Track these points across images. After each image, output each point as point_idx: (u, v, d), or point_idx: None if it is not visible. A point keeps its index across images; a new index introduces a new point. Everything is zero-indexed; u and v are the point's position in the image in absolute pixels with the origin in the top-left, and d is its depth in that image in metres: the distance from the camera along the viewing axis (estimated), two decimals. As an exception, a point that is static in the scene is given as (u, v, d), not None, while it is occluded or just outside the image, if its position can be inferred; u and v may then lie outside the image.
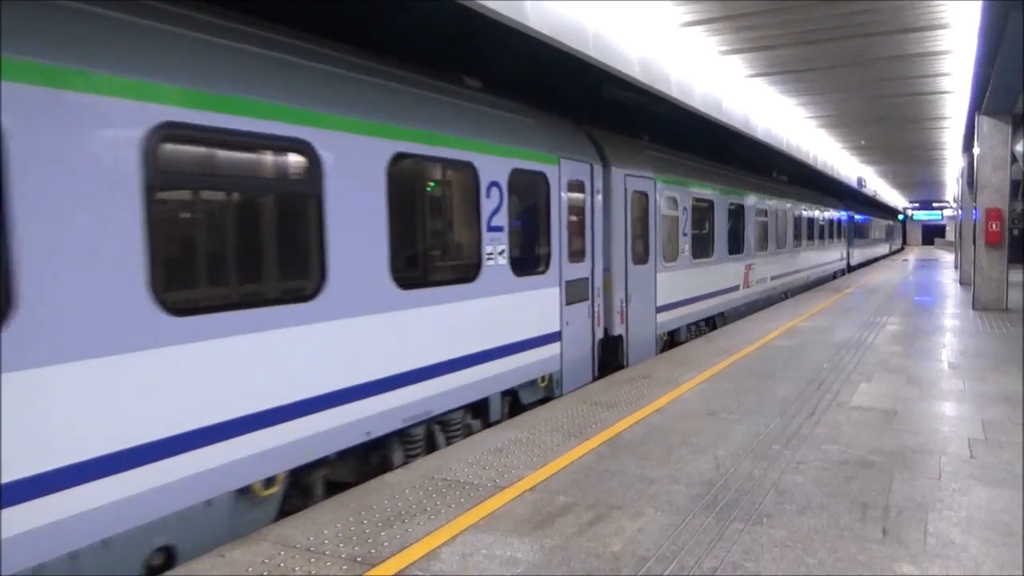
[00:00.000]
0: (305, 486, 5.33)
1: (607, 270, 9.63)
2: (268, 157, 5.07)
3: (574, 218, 8.79)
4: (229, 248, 4.94)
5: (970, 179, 20.69)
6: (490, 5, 6.84)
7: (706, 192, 13.50)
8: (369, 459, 5.96)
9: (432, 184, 6.81)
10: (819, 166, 24.57)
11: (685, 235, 12.41)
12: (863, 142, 25.24)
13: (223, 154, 4.78)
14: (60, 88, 3.69)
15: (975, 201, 16.42)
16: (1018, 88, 12.92)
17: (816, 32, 11.26)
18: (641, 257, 10.64)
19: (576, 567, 3.83)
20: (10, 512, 3.46)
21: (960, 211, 27.09)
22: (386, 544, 4.16)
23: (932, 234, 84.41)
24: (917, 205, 63.65)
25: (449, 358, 6.52)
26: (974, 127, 16.22)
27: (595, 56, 8.91)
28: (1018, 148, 15.89)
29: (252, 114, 4.71)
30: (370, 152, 5.63)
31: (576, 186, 8.83)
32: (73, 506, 3.72)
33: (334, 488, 5.45)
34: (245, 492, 4.70)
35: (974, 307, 15.90)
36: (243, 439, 4.62)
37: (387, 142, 5.78)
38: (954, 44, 12.09)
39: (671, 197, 11.77)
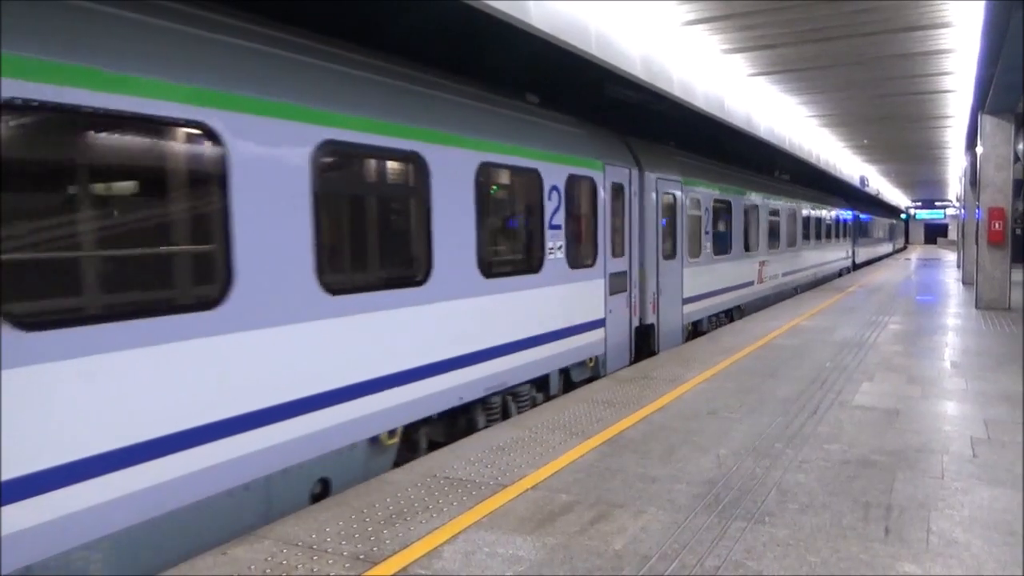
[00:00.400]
0: (413, 441, 6.26)
1: (641, 265, 10.63)
2: (396, 167, 6.18)
3: (615, 217, 9.81)
4: (369, 242, 6.06)
5: (973, 178, 20.67)
6: (493, 4, 6.84)
7: (725, 194, 14.43)
8: (457, 422, 6.96)
9: (507, 188, 7.85)
10: (821, 165, 24.54)
11: (707, 233, 13.34)
12: (865, 141, 25.20)
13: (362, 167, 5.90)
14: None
15: (978, 200, 16.39)
16: (1021, 87, 12.89)
17: (818, 31, 11.24)
18: (670, 253, 11.58)
19: (578, 565, 3.83)
20: (242, 438, 4.60)
21: (963, 210, 27.05)
22: (388, 542, 4.16)
23: (934, 233, 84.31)
24: (920, 204, 63.56)
25: (520, 338, 7.61)
26: (977, 126, 16.19)
27: (597, 55, 8.91)
28: (1021, 147, 15.88)
29: (388, 133, 5.76)
30: (464, 162, 6.60)
31: (617, 189, 9.88)
32: (273, 438, 4.81)
33: (433, 446, 6.42)
34: (375, 441, 5.70)
35: (977, 306, 15.88)
36: (376, 397, 5.65)
37: (476, 153, 6.79)
38: (957, 43, 12.06)
39: (695, 198, 12.67)
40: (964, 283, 22.46)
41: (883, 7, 10.13)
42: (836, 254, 28.28)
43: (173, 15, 4.39)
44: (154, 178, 4.40)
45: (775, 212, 18.37)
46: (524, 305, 7.69)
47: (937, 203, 60.62)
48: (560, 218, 8.32)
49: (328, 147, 5.22)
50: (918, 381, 8.33)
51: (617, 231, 9.84)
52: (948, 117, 20.00)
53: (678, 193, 11.88)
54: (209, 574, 3.79)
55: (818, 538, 4.13)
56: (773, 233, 18.23)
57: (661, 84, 11.03)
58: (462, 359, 6.69)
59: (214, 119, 4.40)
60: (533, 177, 7.89)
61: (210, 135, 4.38)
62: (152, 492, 4.06)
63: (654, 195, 10.94)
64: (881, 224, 47.11)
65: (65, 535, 3.66)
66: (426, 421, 6.37)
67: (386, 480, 5.21)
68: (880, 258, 44.80)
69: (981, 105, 15.18)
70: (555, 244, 8.26)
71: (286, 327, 4.89)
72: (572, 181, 8.63)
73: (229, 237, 4.50)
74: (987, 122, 15.55)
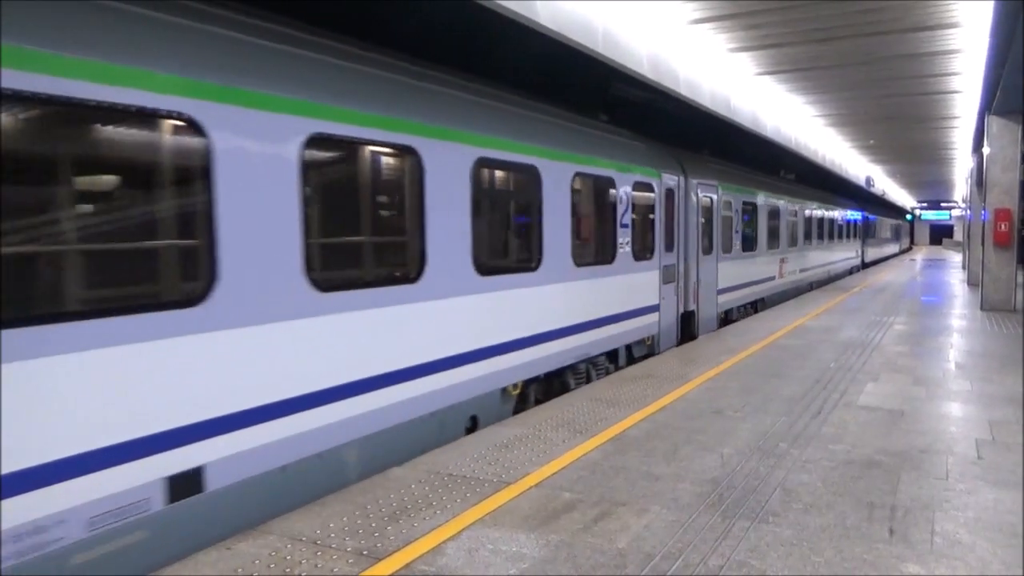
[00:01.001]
0: (524, 395, 7.87)
1: (685, 259, 12.12)
2: (520, 178, 7.77)
3: (667, 217, 11.33)
4: (510, 237, 7.82)
5: (979, 179, 20.60)
6: (502, 3, 6.84)
7: (752, 196, 15.98)
8: (552, 384, 8.49)
9: (591, 193, 9.19)
10: (827, 165, 24.49)
11: (736, 232, 14.91)
12: (872, 141, 25.14)
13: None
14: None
15: (984, 201, 16.33)
16: (1029, 88, 12.85)
17: (825, 30, 11.21)
18: (707, 249, 13.09)
19: (581, 563, 3.83)
20: (433, 378, 6.30)
21: (969, 211, 26.97)
22: (392, 538, 4.17)
23: (940, 234, 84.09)
24: (925, 205, 63.34)
25: (599, 317, 9.24)
26: (984, 127, 16.13)
27: (604, 53, 8.90)
28: (1028, 148, 15.80)
29: (514, 151, 7.47)
30: (563, 172, 8.36)
31: (669, 193, 11.39)
32: (442, 383, 6.41)
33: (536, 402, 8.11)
34: (504, 391, 7.35)
35: (982, 308, 15.83)
36: (506, 357, 7.31)
37: (572, 165, 8.52)
38: (965, 43, 12.03)
39: (727, 201, 14.19)
40: (969, 284, 22.39)
41: (890, 7, 10.10)
42: (847, 253, 30.12)
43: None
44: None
45: (794, 213, 20.02)
46: (602, 290, 9.35)
47: (943, 204, 60.40)
48: (628, 218, 9.94)
49: (481, 162, 6.90)
50: (923, 382, 8.32)
51: (668, 229, 11.40)
52: (955, 118, 19.94)
53: (714, 196, 13.41)
54: (214, 568, 3.80)
55: (822, 538, 4.13)
56: (792, 233, 19.78)
57: (667, 83, 11.02)
58: (561, 331, 8.37)
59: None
60: (609, 184, 9.50)
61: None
62: (387, 411, 5.78)
63: (695, 198, 12.42)
64: (888, 225, 49.07)
65: (338, 435, 5.30)
66: (535, 379, 8.04)
67: (390, 476, 5.22)
68: (887, 258, 46.47)
69: (988, 106, 15.13)
70: (624, 240, 9.88)
71: (456, 299, 6.56)
72: (636, 187, 10.24)
73: (424, 230, 6.17)
74: (994, 123, 15.49)
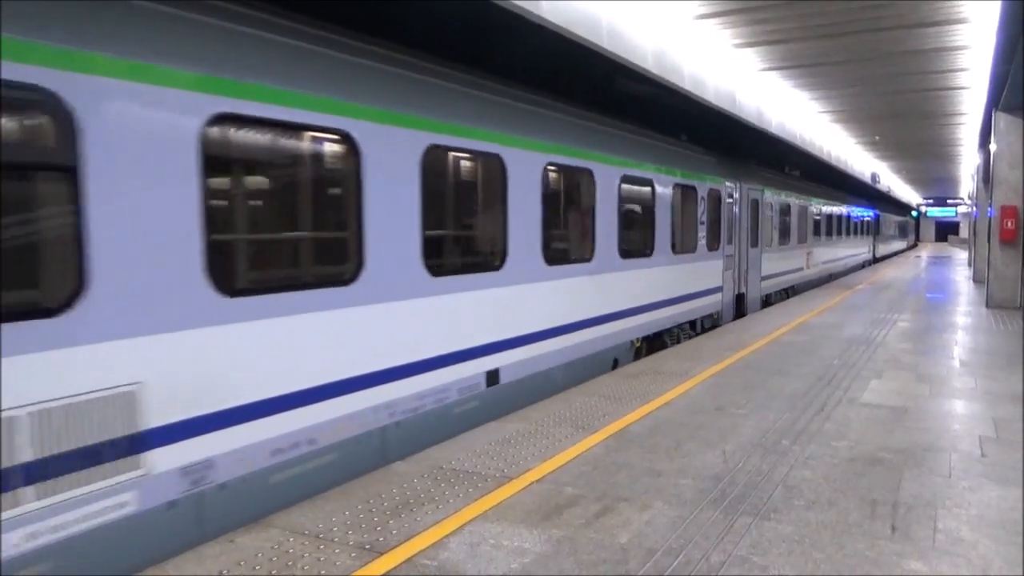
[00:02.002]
0: (638, 349, 10.36)
1: (739, 251, 14.71)
2: (643, 188, 10.32)
3: (728, 216, 13.90)
4: (632, 229, 10.03)
5: (986, 176, 20.52)
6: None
7: (787, 198, 18.64)
8: (654, 343, 11.00)
9: (682, 197, 11.68)
10: (833, 161, 24.42)
11: (774, 228, 17.50)
12: (878, 137, 25.04)
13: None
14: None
15: (990, 198, 16.27)
16: (1036, 84, 12.77)
17: (832, 26, 11.16)
18: (754, 242, 15.74)
19: (583, 558, 3.84)
20: (596, 329, 9.02)
21: (975, 208, 26.87)
22: (394, 532, 4.18)
23: (946, 231, 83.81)
24: (931, 201, 63.11)
25: (687, 293, 11.94)
26: (991, 123, 16.05)
27: (609, 48, 8.87)
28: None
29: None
30: (668, 183, 10.95)
31: (729, 196, 13.99)
32: (604, 332, 9.26)
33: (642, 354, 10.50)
34: (632, 343, 10.12)
35: (987, 305, 15.78)
36: (634, 318, 10.07)
37: (672, 178, 11.14)
38: (972, 39, 11.96)
39: (768, 202, 16.83)
40: (975, 281, 22.32)
41: (898, 3, 10.05)
42: (861, 248, 33.26)
43: None
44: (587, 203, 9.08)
45: (818, 213, 22.83)
46: (688, 274, 12.03)
47: (949, 201, 60.16)
48: (704, 216, 12.62)
49: (624, 179, 9.69)
50: (927, 379, 8.30)
51: (728, 226, 14.00)
52: (962, 114, 19.84)
53: (758, 198, 15.98)
54: (216, 561, 3.82)
55: (824, 535, 4.13)
56: (816, 229, 22.54)
57: (672, 78, 10.98)
58: (663, 303, 11.05)
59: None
60: (692, 191, 12.12)
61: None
62: (579, 347, 8.66)
63: (746, 200, 15.00)
64: (897, 222, 52.80)
65: (560, 358, 8.27)
66: (646, 337, 10.65)
67: (393, 471, 5.23)
68: (896, 253, 49.66)
69: (995, 102, 15.05)
70: (702, 235, 12.59)
71: (609, 274, 9.34)
72: (710, 192, 12.88)
73: (595, 224, 8.97)
74: (1001, 119, 15.41)
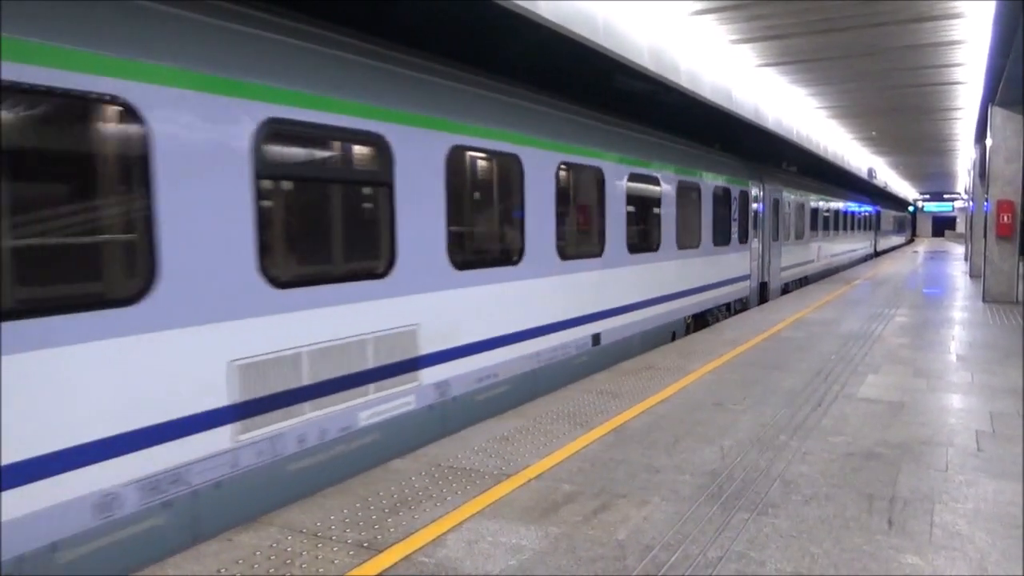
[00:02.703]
0: (688, 325, 12.33)
1: (763, 244, 16.84)
2: (689, 190, 12.09)
3: (754, 213, 15.99)
4: (694, 223, 12.34)
5: (982, 171, 20.54)
6: None
7: (801, 197, 20.85)
8: (698, 322, 12.93)
9: (722, 198, 13.73)
10: (829, 157, 24.45)
11: (791, 224, 19.60)
12: (874, 133, 25.06)
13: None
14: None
15: (986, 193, 16.29)
16: (1032, 79, 12.78)
17: (828, 21, 11.16)
18: (774, 236, 17.81)
19: (581, 555, 3.85)
20: (663, 305, 11.20)
21: (971, 203, 26.93)
22: (392, 530, 4.18)
23: (942, 226, 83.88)
24: (927, 197, 63.18)
25: (723, 279, 13.99)
26: (987, 118, 16.07)
27: (605, 45, 8.86)
28: (1031, 139, 15.71)
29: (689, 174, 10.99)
30: (710, 186, 12.95)
31: (755, 195, 16.09)
32: (669, 308, 11.38)
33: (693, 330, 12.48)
34: (685, 319, 12.09)
35: (984, 299, 15.81)
36: (688, 298, 12.01)
37: (712, 181, 13.11)
38: (968, 34, 11.96)
39: (787, 200, 19.00)
40: (971, 276, 22.35)
41: (893, -2, 10.05)
42: (864, 243, 35.84)
43: None
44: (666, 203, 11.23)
45: (828, 210, 25.07)
46: (726, 263, 14.13)
47: (945, 196, 60.21)
48: (736, 214, 14.66)
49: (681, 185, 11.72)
50: (924, 374, 8.32)
51: (755, 222, 16.14)
52: (958, 109, 19.86)
53: (778, 197, 18.04)
54: (215, 559, 3.82)
55: (821, 530, 4.14)
56: (825, 225, 24.81)
57: (668, 75, 10.98)
58: (707, 287, 13.09)
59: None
60: (727, 192, 14.05)
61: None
62: (650, 320, 10.62)
63: (768, 199, 17.12)
64: (896, 218, 55.83)
65: (639, 328, 10.29)
66: (694, 315, 12.69)
67: (390, 469, 5.23)
68: (895, 247, 52.59)
69: (991, 97, 15.06)
70: (735, 229, 14.61)
71: (668, 261, 11.17)
72: (741, 193, 14.91)
73: (661, 223, 11.09)
74: (997, 114, 15.43)
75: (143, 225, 4.04)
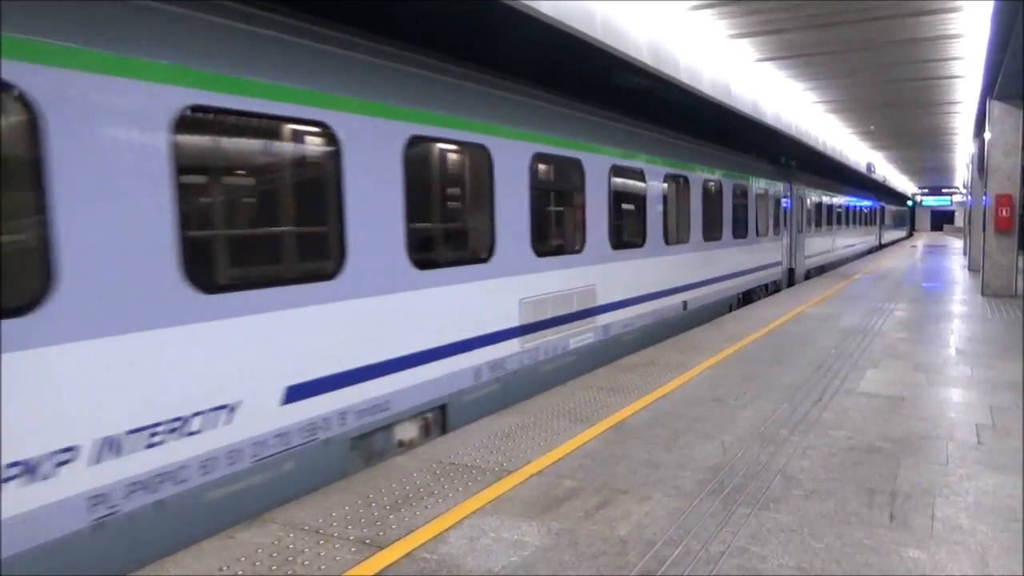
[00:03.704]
0: (730, 306, 14.52)
1: (791, 235, 19.73)
2: (740, 190, 14.94)
3: (785, 209, 18.96)
4: (749, 217, 15.66)
5: (980, 165, 20.53)
6: None
7: (821, 195, 24.00)
8: (751, 297, 15.70)
9: (765, 196, 16.64)
10: (828, 152, 24.46)
11: (812, 219, 22.52)
12: (872, 127, 25.06)
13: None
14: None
15: (985, 187, 16.28)
16: (1031, 72, 12.76)
17: (826, 15, 11.15)
18: (800, 228, 20.62)
19: (583, 550, 3.85)
20: (718, 285, 13.95)
21: (970, 197, 26.94)
22: (394, 527, 4.19)
23: (941, 220, 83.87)
24: (926, 191, 63.15)
25: (764, 264, 16.73)
26: (985, 112, 16.05)
27: (603, 40, 8.85)
28: (1030, 133, 15.70)
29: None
30: (754, 186, 15.50)
31: (786, 192, 18.93)
32: (724, 287, 14.29)
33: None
34: (737, 296, 15.06)
35: (983, 293, 15.82)
36: (738, 279, 15.00)
37: (755, 182, 15.54)
38: (966, 27, 11.95)
39: (810, 198, 22.08)
40: (970, 270, 22.36)
41: (892, -8, 10.03)
42: (871, 235, 38.95)
43: None
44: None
45: (841, 206, 28.32)
46: (765, 250, 16.91)
47: (944, 190, 60.20)
48: (772, 209, 17.52)
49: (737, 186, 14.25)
50: (923, 368, 8.32)
51: (786, 216, 19.17)
52: (956, 103, 19.85)
53: (802, 195, 20.94)
54: (216, 557, 3.82)
55: (823, 524, 4.14)
56: (840, 220, 28.15)
57: (668, 70, 10.96)
58: (751, 270, 15.82)
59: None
60: (768, 191, 17.06)
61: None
62: (709, 295, 13.32)
63: (798, 196, 20.11)
64: (898, 213, 60.12)
65: (705, 301, 13.18)
66: (741, 294, 15.21)
67: (392, 465, 5.23)
68: (897, 240, 55.76)
69: (990, 91, 15.04)
70: (771, 223, 17.43)
71: (722, 248, 13.68)
72: (775, 192, 17.77)
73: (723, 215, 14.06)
74: (996, 108, 15.41)
75: (488, 220, 7.04)
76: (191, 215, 4.29)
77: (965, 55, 13.91)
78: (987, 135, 15.96)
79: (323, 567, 3.71)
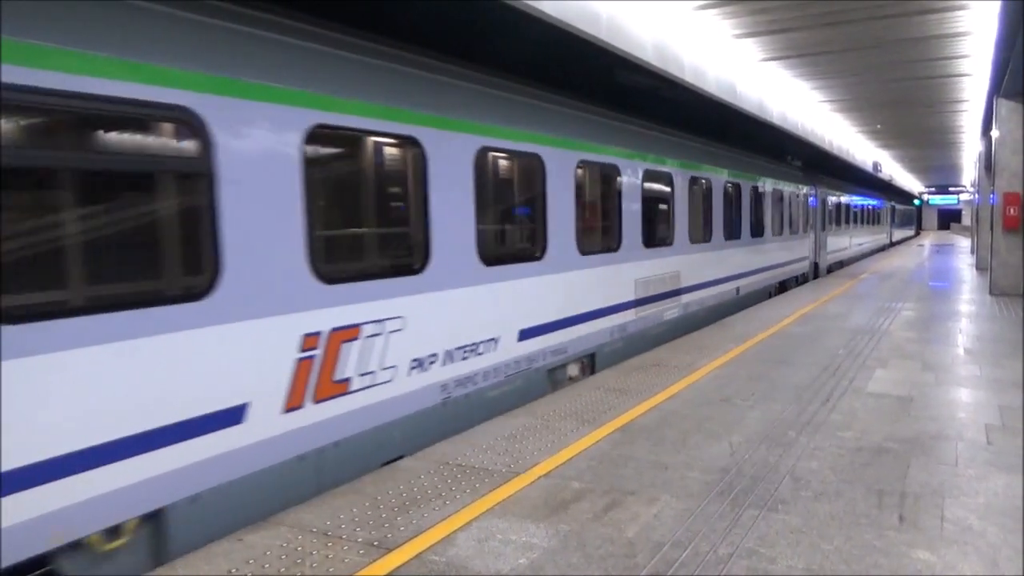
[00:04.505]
0: (784, 288, 18.38)
1: (815, 232, 22.12)
2: (779, 194, 17.96)
3: (812, 210, 21.42)
4: (780, 217, 18.04)
5: (988, 163, 20.44)
6: None
7: (839, 196, 26.47)
8: (785, 286, 18.60)
9: (799, 199, 19.71)
10: (834, 151, 24.38)
11: (833, 218, 25.07)
12: (879, 126, 24.95)
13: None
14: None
15: (993, 185, 16.21)
16: (1038, 70, 12.70)
17: (832, 14, 11.10)
18: (823, 227, 23.11)
19: (591, 552, 3.85)
20: (766, 273, 17.03)
21: (977, 196, 26.86)
22: (402, 529, 4.19)
23: (948, 219, 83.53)
24: (933, 189, 62.89)
25: (795, 258, 19.38)
26: (992, 110, 15.98)
27: (608, 40, 8.84)
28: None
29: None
30: (791, 190, 18.84)
31: (812, 195, 21.42)
32: (773, 274, 17.53)
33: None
34: (776, 285, 17.86)
35: (991, 292, 15.75)
36: (777, 270, 17.70)
37: (790, 187, 18.73)
38: (973, 25, 11.89)
39: (831, 199, 24.67)
40: (978, 269, 22.26)
41: (898, -10, 9.99)
42: (883, 234, 42.10)
43: None
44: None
45: (856, 206, 30.97)
46: (795, 246, 19.24)
47: (951, 188, 59.93)
48: (802, 210, 20.00)
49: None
50: (932, 368, 8.29)
51: (812, 216, 21.62)
52: (963, 101, 19.75)
53: (824, 197, 23.43)
54: (226, 559, 3.83)
55: (832, 525, 4.13)
56: (856, 219, 30.75)
57: (672, 70, 10.93)
58: (788, 262, 18.51)
59: None
60: (798, 195, 19.52)
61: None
62: (759, 281, 16.26)
63: (819, 198, 22.51)
64: (907, 213, 63.41)
65: (752, 287, 15.80)
66: (779, 283, 17.73)
67: (400, 468, 5.24)
68: (906, 238, 58.89)
69: (997, 89, 14.98)
70: (801, 221, 19.97)
71: (768, 243, 16.65)
72: (804, 194, 20.25)
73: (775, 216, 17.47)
74: (1003, 106, 15.34)
75: (618, 220, 9.53)
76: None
77: (972, 53, 13.84)
78: (994, 133, 15.88)
79: (331, 569, 3.72)
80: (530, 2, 7.22)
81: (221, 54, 4.53)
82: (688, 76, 11.54)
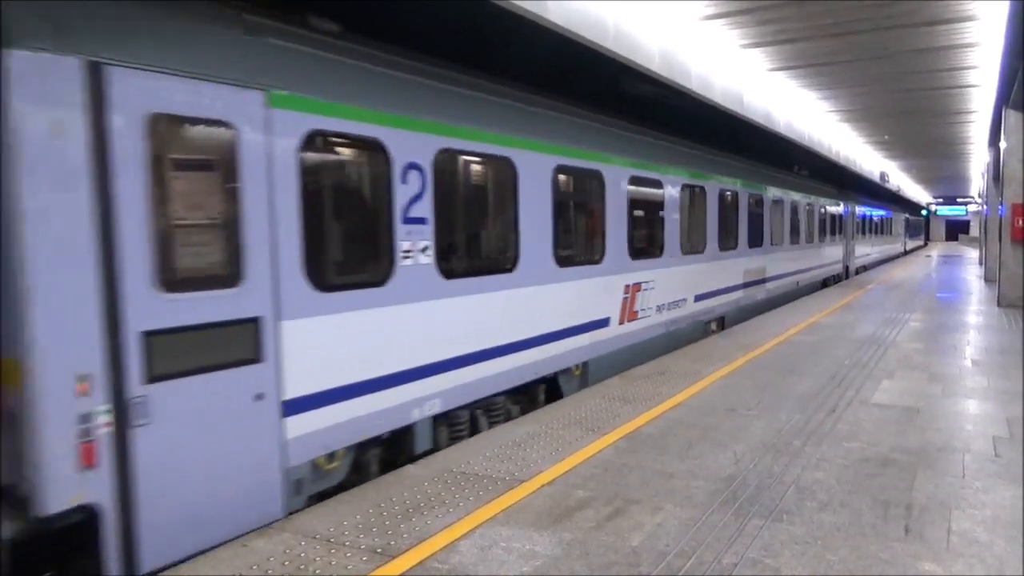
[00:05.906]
0: (797, 296, 18.96)
1: (846, 240, 25.24)
2: (814, 208, 21.16)
3: (843, 221, 24.89)
4: (798, 227, 19.62)
5: (996, 174, 20.38)
6: (513, 0, 6.83)
7: (864, 209, 29.31)
8: (826, 284, 22.64)
9: (834, 213, 23.21)
10: (841, 161, 24.36)
11: (859, 228, 28.24)
12: (887, 136, 24.94)
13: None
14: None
15: (1001, 196, 16.15)
16: (1046, 81, 12.68)
17: (840, 25, 11.11)
18: (852, 236, 26.36)
19: (594, 561, 3.83)
20: (789, 278, 18.61)
21: (985, 207, 26.77)
22: (405, 536, 4.19)
23: (956, 230, 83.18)
24: (941, 200, 62.71)
25: (832, 261, 23.30)
26: (1001, 121, 15.94)
27: (615, 50, 8.86)
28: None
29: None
30: (828, 206, 22.31)
31: (844, 209, 24.88)
32: (795, 279, 19.06)
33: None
34: (819, 283, 21.81)
35: (999, 304, 15.66)
36: (820, 270, 21.49)
37: (826, 202, 22.11)
38: (981, 37, 11.88)
39: (858, 211, 27.67)
40: (986, 280, 22.16)
41: (906, 1, 10.00)
42: (898, 242, 45.21)
43: None
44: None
45: (876, 216, 34.05)
46: (832, 251, 23.00)
47: (959, 199, 59.74)
48: (835, 221, 23.23)
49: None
50: (939, 379, 8.25)
51: (844, 226, 24.83)
52: (971, 112, 19.72)
53: (852, 209, 26.44)
54: (230, 565, 3.84)
55: (837, 537, 4.11)
56: (877, 229, 34.32)
57: (679, 79, 10.96)
58: (826, 264, 22.37)
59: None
60: (833, 209, 22.93)
61: None
62: (788, 283, 17.97)
63: (849, 211, 25.75)
64: (916, 222, 65.51)
65: (788, 286, 18.36)
66: (808, 287, 20.09)
67: (404, 474, 5.24)
68: (916, 248, 61.04)
69: (1005, 99, 14.95)
70: (837, 231, 23.59)
71: (808, 248, 19.68)
72: (835, 207, 23.07)
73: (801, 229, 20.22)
74: (1011, 116, 15.31)
75: (735, 228, 13.78)
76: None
77: (980, 64, 13.83)
78: (1003, 144, 15.84)
79: None
80: (536, 8, 7.25)
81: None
82: (695, 86, 11.55)
